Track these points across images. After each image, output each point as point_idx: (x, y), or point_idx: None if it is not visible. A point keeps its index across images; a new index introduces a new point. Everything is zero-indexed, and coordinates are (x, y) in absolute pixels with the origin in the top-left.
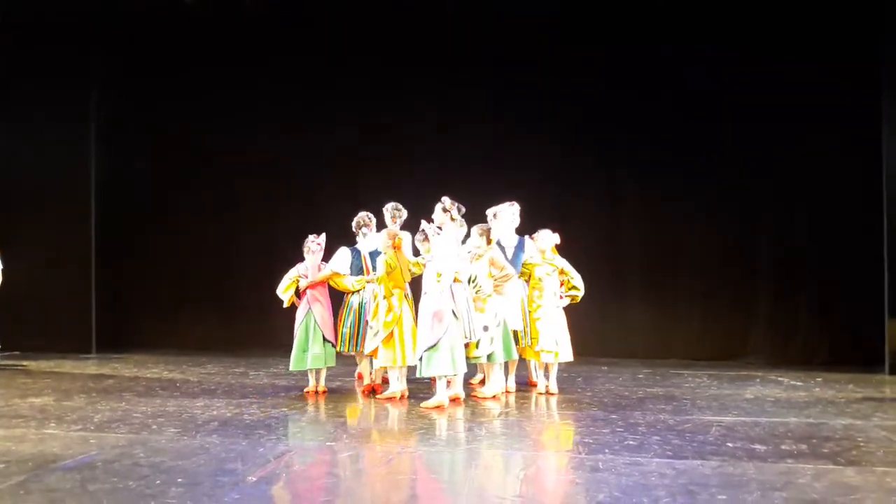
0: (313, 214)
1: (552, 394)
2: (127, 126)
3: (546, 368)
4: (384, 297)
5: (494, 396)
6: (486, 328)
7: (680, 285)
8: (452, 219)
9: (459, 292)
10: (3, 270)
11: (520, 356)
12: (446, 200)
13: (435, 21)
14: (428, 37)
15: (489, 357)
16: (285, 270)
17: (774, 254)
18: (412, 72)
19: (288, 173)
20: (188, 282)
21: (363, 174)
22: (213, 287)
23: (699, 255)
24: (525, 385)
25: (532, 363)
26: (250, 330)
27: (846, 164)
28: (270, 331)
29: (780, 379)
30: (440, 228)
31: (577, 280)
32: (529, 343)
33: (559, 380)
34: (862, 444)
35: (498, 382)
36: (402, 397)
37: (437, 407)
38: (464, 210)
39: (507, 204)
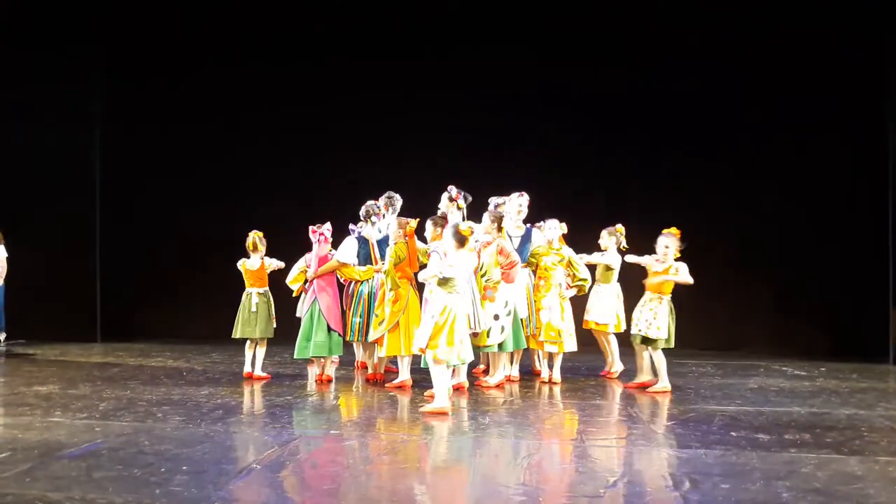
0: (317, 204)
1: (556, 383)
2: (132, 118)
3: (550, 358)
4: (391, 289)
5: (499, 385)
6: (496, 317)
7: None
8: (459, 207)
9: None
10: (7, 259)
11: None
12: (453, 189)
13: (438, 15)
14: (430, 30)
15: (500, 346)
16: (287, 259)
17: (779, 244)
18: (414, 66)
19: (291, 166)
20: (193, 271)
21: (367, 165)
22: (217, 276)
23: (703, 245)
24: (529, 374)
25: (536, 352)
26: None
27: (851, 156)
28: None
29: (784, 369)
30: (445, 217)
31: (584, 271)
32: (534, 332)
33: (563, 369)
34: (865, 433)
35: (503, 371)
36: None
37: (445, 413)
38: (470, 199)
39: (515, 194)
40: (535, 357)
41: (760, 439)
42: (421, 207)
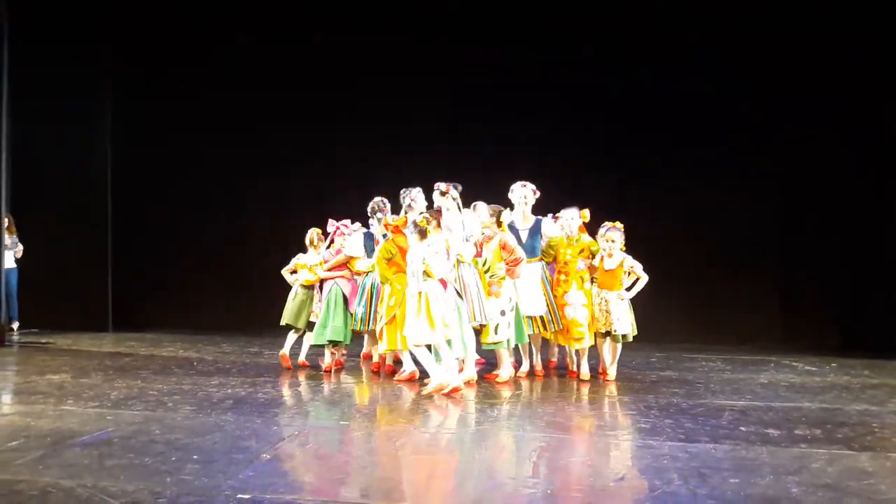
0: (325, 197)
1: (585, 380)
2: (143, 110)
3: (577, 354)
4: (382, 283)
5: (508, 381)
6: (503, 313)
7: (694, 271)
8: (453, 198)
9: (467, 274)
10: (17, 250)
11: (553, 341)
12: (441, 185)
13: (439, 15)
14: (433, 29)
15: (507, 341)
16: (298, 252)
17: (789, 239)
18: (419, 61)
19: (299, 160)
20: (204, 261)
21: (371, 159)
22: (228, 267)
23: (713, 241)
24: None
25: (567, 349)
26: (265, 310)
27: (858, 153)
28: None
29: (794, 364)
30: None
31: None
32: (559, 328)
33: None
34: (877, 429)
35: (509, 365)
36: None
37: (444, 387)
38: (461, 188)
39: (518, 184)
40: (571, 353)
41: (770, 434)
42: (428, 200)
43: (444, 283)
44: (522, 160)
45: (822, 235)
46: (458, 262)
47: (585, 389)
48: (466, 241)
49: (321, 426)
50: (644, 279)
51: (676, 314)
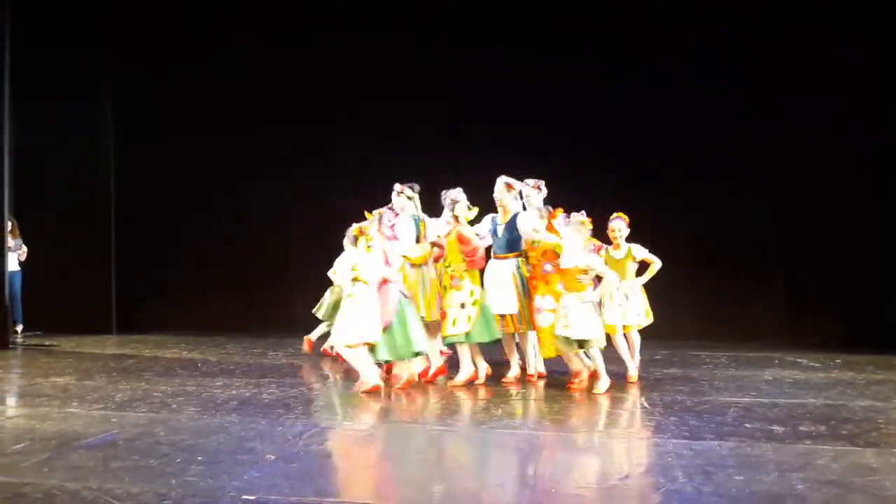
0: (325, 197)
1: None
2: (143, 110)
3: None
4: None
5: (464, 383)
6: (462, 305)
7: (695, 270)
8: (409, 198)
9: (412, 274)
10: (21, 252)
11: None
12: (397, 186)
13: (439, 16)
14: (432, 30)
15: (467, 336)
16: (301, 252)
17: (790, 238)
18: (419, 61)
19: (299, 160)
20: (207, 263)
21: (371, 159)
22: (232, 268)
23: (713, 241)
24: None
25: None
26: (269, 311)
27: (858, 153)
28: (288, 312)
29: (798, 360)
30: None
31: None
32: (530, 328)
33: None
34: (882, 425)
35: (470, 365)
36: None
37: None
38: (418, 188)
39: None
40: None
41: (775, 431)
42: (434, 201)
43: (385, 282)
44: (522, 160)
45: (823, 235)
46: (405, 262)
47: (588, 388)
48: (438, 236)
49: (326, 427)
50: (610, 281)
51: (679, 313)
